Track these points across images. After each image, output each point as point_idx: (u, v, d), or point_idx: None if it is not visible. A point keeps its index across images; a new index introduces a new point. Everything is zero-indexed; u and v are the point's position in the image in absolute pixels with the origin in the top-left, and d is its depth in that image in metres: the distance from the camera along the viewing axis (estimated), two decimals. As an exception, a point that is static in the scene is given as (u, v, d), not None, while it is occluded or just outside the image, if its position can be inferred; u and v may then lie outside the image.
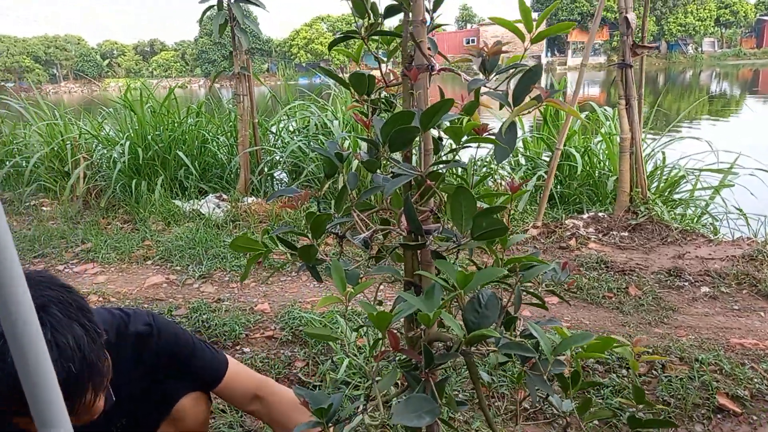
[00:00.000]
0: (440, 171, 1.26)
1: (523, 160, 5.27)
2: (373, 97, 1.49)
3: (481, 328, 1.09)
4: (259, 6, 4.48)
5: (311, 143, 4.69)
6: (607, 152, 4.95)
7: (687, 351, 2.56)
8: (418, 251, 1.39)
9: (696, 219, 4.73)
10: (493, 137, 1.26)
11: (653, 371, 2.50)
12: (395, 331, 1.12)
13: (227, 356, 1.61)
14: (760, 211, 4.71)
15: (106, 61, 76.30)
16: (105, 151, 5.32)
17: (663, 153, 5.06)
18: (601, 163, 5.12)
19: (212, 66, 69.49)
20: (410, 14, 1.27)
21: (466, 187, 1.16)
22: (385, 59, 1.52)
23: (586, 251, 3.75)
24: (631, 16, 3.72)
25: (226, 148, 5.53)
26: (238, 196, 4.82)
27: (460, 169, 4.22)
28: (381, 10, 1.33)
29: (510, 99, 1.28)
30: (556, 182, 4.84)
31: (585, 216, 4.35)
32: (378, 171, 1.49)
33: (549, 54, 63.54)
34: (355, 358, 2.50)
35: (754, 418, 2.18)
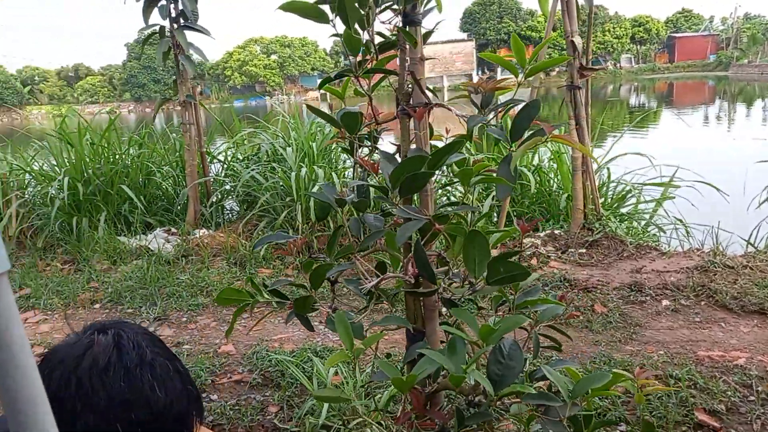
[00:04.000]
0: (446, 213, 1.21)
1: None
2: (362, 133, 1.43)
3: (506, 381, 1.04)
4: (203, 33, 4.34)
5: (265, 172, 4.57)
6: (557, 170, 5.07)
7: (660, 367, 2.61)
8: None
9: (643, 232, 4.90)
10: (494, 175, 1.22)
11: (630, 392, 2.52)
12: (418, 389, 1.05)
13: None
14: (701, 221, 4.94)
15: (27, 88, 72.51)
16: (40, 188, 4.97)
17: (608, 169, 5.24)
18: (551, 181, 5.25)
19: (142, 90, 67.42)
20: (408, 51, 1.22)
21: (479, 231, 1.10)
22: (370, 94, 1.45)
23: (549, 270, 3.80)
24: (577, 39, 3.84)
25: (172, 178, 5.29)
26: (188, 229, 4.60)
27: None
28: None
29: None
30: (509, 201, 4.91)
31: (542, 234, 4.42)
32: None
33: (480, 72, 65.54)
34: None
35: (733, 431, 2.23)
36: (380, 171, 1.16)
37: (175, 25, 4.33)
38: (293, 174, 4.04)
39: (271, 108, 5.91)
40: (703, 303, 3.25)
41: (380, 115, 1.40)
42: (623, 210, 5.14)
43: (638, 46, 66.39)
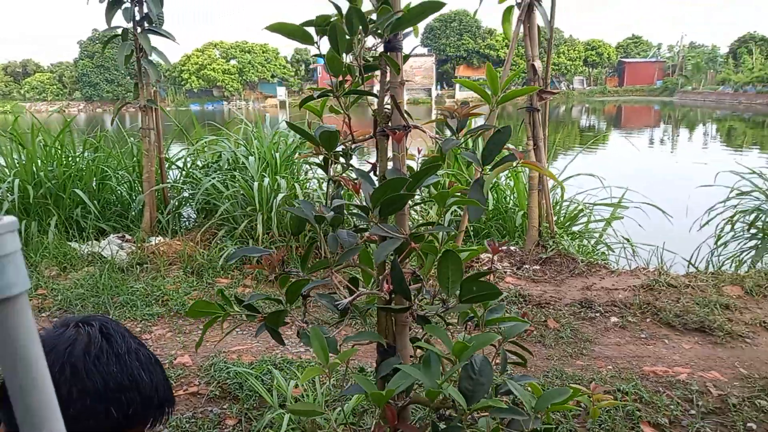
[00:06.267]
0: (422, 233, 1.25)
1: (435, 195, 5.41)
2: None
3: (477, 396, 1.08)
4: (168, 38, 4.29)
5: (225, 180, 4.52)
6: (514, 187, 5.22)
7: (609, 382, 2.73)
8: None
9: (593, 250, 5.10)
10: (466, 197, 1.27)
11: (580, 405, 2.63)
12: (392, 404, 1.08)
13: None
14: (647, 240, 5.19)
15: (-32, 82, 69.13)
16: (-14, 189, 4.77)
17: (562, 188, 5.44)
18: (507, 198, 5.40)
19: (93, 90, 65.29)
20: (389, 75, 1.27)
21: (453, 251, 1.15)
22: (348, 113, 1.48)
23: (504, 285, 3.90)
24: (538, 63, 3.99)
25: (127, 184, 5.16)
26: (143, 236, 4.50)
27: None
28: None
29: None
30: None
31: (498, 250, 4.54)
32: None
33: (439, 87, 66.54)
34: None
35: (676, 444, 2.35)
36: (360, 191, 1.19)
37: (139, 29, 4.26)
38: (255, 184, 4.02)
39: (229, 113, 5.83)
40: (648, 320, 3.41)
41: (356, 134, 1.44)
42: (575, 228, 5.33)
43: (590, 69, 68.99)
